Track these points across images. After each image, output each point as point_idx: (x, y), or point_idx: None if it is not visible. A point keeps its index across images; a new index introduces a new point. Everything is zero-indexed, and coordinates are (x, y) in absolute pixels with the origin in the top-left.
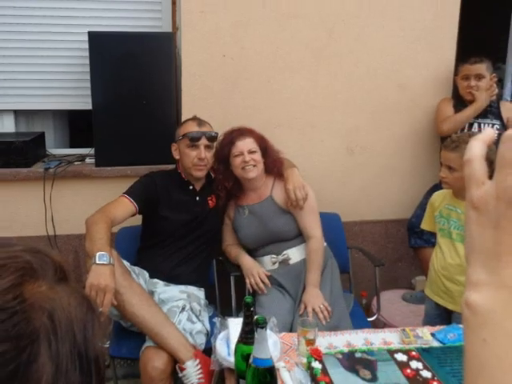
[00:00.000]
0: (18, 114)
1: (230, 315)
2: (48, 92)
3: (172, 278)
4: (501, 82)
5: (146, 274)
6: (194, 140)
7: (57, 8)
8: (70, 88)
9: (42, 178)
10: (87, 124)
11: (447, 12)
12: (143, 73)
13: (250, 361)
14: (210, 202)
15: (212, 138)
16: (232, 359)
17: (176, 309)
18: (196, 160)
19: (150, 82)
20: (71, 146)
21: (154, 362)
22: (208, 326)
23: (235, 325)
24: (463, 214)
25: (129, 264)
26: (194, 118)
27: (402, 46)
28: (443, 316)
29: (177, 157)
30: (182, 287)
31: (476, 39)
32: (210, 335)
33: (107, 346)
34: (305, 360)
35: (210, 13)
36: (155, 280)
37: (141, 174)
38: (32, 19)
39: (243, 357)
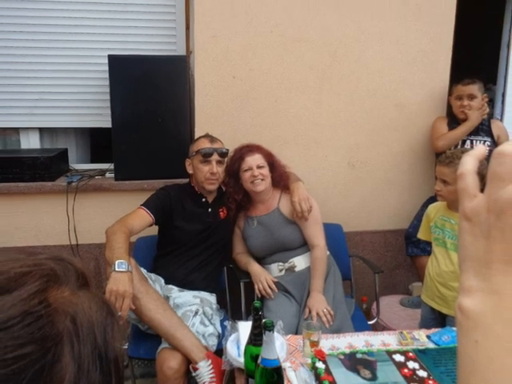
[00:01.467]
0: (42, 131)
1: (240, 319)
2: (71, 111)
3: (186, 284)
4: (491, 102)
5: (162, 281)
6: (206, 156)
7: (79, 33)
8: (91, 107)
9: (66, 191)
10: (106, 141)
11: (442, 36)
12: (159, 93)
13: (259, 361)
14: (221, 213)
15: (223, 154)
16: (242, 360)
17: (190, 313)
18: (208, 174)
19: (165, 102)
20: (92, 162)
21: (169, 362)
22: (219, 328)
23: (245, 328)
24: (457, 224)
25: (146, 271)
26: (207, 136)
27: (399, 68)
28: (438, 320)
29: (190, 171)
30: (195, 292)
31: (468, 62)
32: (221, 337)
33: (125, 347)
34: (309, 360)
35: (221, 37)
36: (170, 286)
37: (156, 188)
38: (57, 43)
39: (252, 357)
